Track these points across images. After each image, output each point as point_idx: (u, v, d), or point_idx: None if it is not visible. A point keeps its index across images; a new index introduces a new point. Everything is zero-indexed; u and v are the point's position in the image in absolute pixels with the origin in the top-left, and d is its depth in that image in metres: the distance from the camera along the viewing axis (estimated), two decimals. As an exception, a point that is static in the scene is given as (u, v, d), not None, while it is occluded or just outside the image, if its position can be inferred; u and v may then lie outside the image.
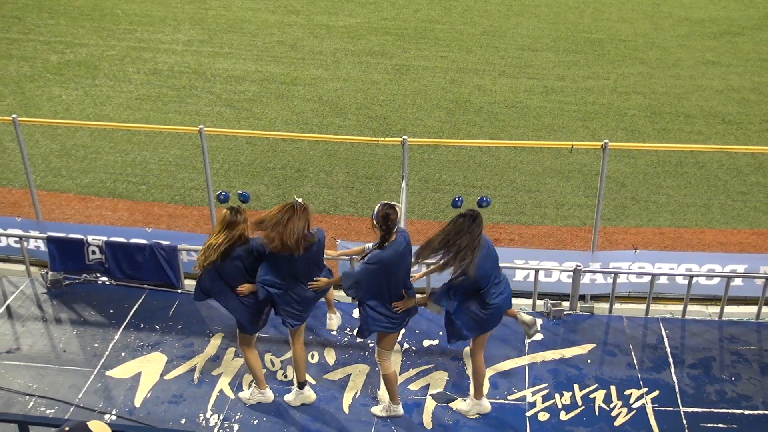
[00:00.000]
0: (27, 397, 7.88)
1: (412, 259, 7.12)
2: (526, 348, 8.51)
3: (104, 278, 9.56)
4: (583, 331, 8.78)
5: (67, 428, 4.88)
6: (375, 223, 7.01)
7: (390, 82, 17.90)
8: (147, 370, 8.25)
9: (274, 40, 20.07)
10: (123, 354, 8.46)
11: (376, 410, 7.72)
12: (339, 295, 10.15)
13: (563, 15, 21.94)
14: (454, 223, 6.85)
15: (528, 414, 7.71)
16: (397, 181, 12.84)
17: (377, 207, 7.04)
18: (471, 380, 7.77)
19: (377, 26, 21.02)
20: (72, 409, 7.74)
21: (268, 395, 7.88)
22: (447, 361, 8.31)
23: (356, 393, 7.95)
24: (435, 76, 18.22)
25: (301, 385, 7.78)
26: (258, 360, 7.79)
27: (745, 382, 8.06)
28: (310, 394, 7.82)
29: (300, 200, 7.08)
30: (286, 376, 8.12)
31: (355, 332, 8.50)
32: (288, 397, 7.84)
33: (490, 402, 7.80)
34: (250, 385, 7.96)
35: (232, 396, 7.93)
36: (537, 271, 9.48)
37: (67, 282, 9.51)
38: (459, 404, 7.77)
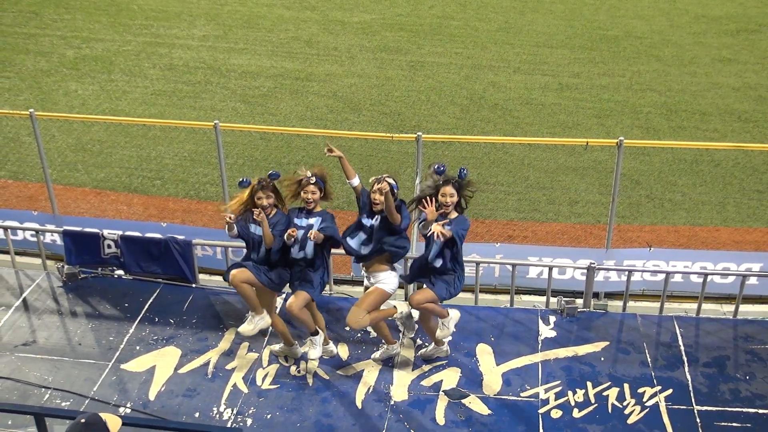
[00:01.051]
0: (43, 389, 7.94)
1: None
2: (540, 345, 8.50)
3: (120, 272, 9.62)
4: (597, 328, 8.76)
5: (82, 420, 4.95)
6: (396, 190, 7.63)
7: (404, 78, 17.89)
8: (161, 363, 8.30)
9: (289, 36, 20.11)
10: (138, 347, 8.51)
11: (376, 355, 8.17)
12: (349, 290, 10.21)
13: (579, 12, 21.86)
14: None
15: (541, 411, 7.70)
16: (411, 178, 12.83)
17: (391, 180, 7.67)
18: (430, 323, 7.99)
19: (392, 22, 21.02)
20: (87, 401, 7.80)
21: (267, 319, 7.99)
22: (460, 357, 8.31)
23: (369, 388, 7.97)
24: (449, 72, 18.21)
25: (315, 333, 7.96)
26: (251, 288, 7.85)
27: (759, 381, 8.02)
28: (332, 349, 8.24)
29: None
30: (299, 371, 8.15)
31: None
32: (312, 353, 8.00)
33: (503, 399, 7.81)
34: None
35: (245, 390, 7.96)
36: (551, 268, 9.45)
37: (82, 275, 9.57)
38: (439, 333, 8.01)
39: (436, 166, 7.61)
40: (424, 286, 7.71)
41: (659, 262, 10.53)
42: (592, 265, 9.01)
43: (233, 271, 7.76)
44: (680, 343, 8.52)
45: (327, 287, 9.49)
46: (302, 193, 7.72)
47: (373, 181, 7.68)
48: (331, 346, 8.36)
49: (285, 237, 7.54)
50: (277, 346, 8.41)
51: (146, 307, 9.11)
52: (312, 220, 7.72)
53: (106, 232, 9.53)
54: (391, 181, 7.67)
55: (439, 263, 7.59)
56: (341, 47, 19.50)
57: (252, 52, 19.15)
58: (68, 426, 4.98)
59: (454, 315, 8.07)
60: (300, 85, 17.53)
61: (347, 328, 8.74)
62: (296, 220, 7.76)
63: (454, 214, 7.60)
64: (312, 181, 7.70)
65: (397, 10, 21.84)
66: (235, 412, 7.71)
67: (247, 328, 7.95)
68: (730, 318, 9.15)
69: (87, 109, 16.28)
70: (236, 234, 7.74)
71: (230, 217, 7.59)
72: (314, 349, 7.98)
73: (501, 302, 10.01)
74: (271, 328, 8.48)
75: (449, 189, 7.59)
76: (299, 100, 16.91)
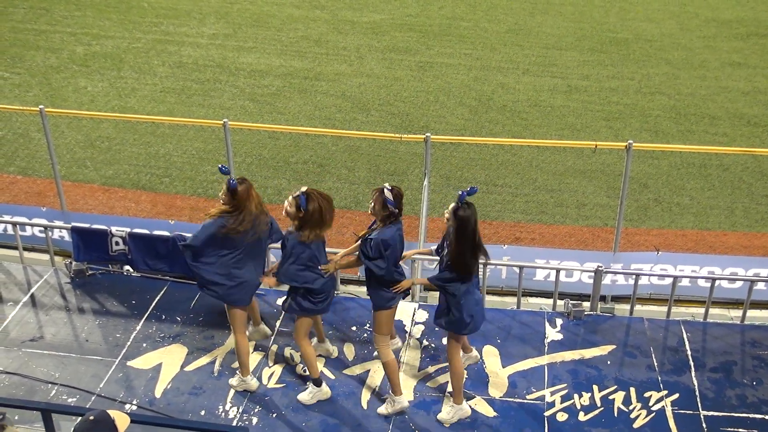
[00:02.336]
0: (49, 385, 7.96)
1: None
2: (546, 348, 8.49)
3: (128, 267, 9.64)
4: (604, 332, 8.74)
5: (91, 417, 4.96)
6: (389, 205, 7.10)
7: (413, 78, 17.89)
8: (168, 361, 8.31)
9: (298, 35, 20.13)
10: (144, 345, 8.53)
11: (381, 409, 7.69)
12: (356, 290, 10.21)
13: (588, 14, 21.83)
14: (462, 219, 6.94)
15: (546, 414, 7.69)
16: (418, 178, 12.84)
17: (386, 190, 7.10)
18: (450, 383, 7.66)
19: (401, 23, 21.02)
20: (93, 398, 7.81)
21: (251, 383, 7.93)
22: (466, 358, 8.29)
23: (375, 389, 7.96)
24: (458, 73, 18.20)
25: (317, 382, 7.82)
26: (247, 345, 7.88)
27: (766, 386, 7.98)
28: (327, 390, 7.85)
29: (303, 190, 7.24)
30: (305, 371, 8.14)
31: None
32: (303, 396, 7.81)
33: (509, 401, 7.80)
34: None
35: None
36: (558, 270, 9.45)
37: (90, 272, 9.59)
38: (441, 415, 7.65)
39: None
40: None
41: (667, 266, 10.51)
42: (600, 268, 8.99)
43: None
44: (687, 347, 8.49)
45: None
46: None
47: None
48: (327, 344, 8.37)
49: None
50: (250, 327, 8.42)
51: (153, 304, 9.13)
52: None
53: (114, 229, 9.54)
54: (388, 195, 7.21)
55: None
56: (350, 47, 19.51)
57: (261, 51, 19.18)
58: (77, 423, 4.99)
59: (466, 410, 7.64)
60: (309, 85, 17.54)
61: (353, 328, 8.74)
62: None
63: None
64: (295, 194, 7.23)
65: (407, 11, 21.84)
66: (240, 410, 7.72)
67: (233, 382, 7.99)
68: (737, 323, 9.12)
69: (96, 106, 16.33)
70: None
71: None
72: (306, 394, 7.82)
73: (508, 304, 10.00)
74: (274, 335, 8.54)
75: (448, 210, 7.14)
76: (308, 99, 16.92)
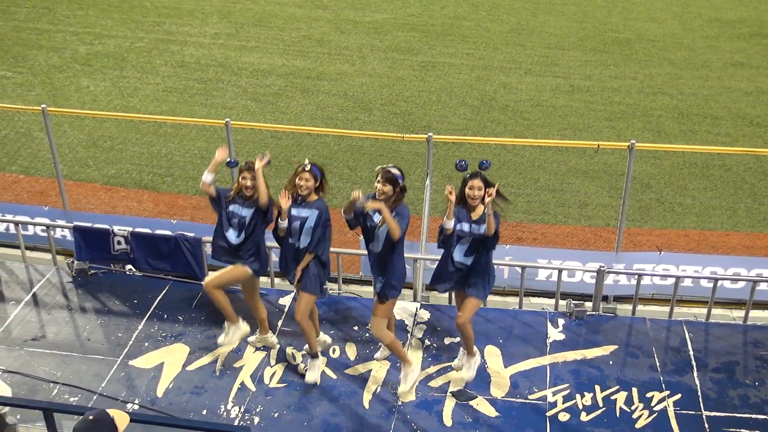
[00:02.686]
0: (51, 384, 7.97)
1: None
2: (548, 348, 8.48)
3: (130, 266, 9.65)
4: (606, 332, 8.73)
5: (90, 416, 4.95)
6: (399, 180, 7.49)
7: (415, 78, 17.89)
8: (169, 360, 8.31)
9: (300, 35, 20.13)
10: (146, 344, 8.53)
11: (402, 387, 7.80)
12: (358, 290, 10.20)
13: (591, 14, 21.82)
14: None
15: (548, 414, 7.68)
16: (421, 178, 12.83)
17: (392, 170, 7.50)
18: (464, 345, 7.90)
19: (404, 22, 21.02)
20: (95, 397, 7.81)
21: (244, 327, 8.05)
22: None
23: (377, 388, 7.96)
24: (461, 73, 18.19)
25: (315, 355, 7.92)
26: (225, 297, 8.01)
27: (768, 387, 7.99)
28: (323, 358, 8.10)
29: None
30: (307, 370, 8.14)
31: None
32: (310, 377, 7.90)
33: (511, 401, 7.80)
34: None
35: (253, 388, 7.96)
36: (560, 270, 9.42)
37: (92, 271, 9.59)
38: (463, 374, 7.92)
39: (458, 162, 7.51)
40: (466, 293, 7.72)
41: (669, 266, 10.49)
42: (602, 268, 8.98)
43: (207, 279, 7.90)
44: (689, 348, 8.48)
45: (336, 287, 9.52)
46: (297, 179, 7.57)
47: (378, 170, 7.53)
48: (324, 336, 8.43)
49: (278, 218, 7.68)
50: (253, 337, 8.43)
51: (155, 303, 9.13)
52: (305, 212, 7.57)
53: (116, 228, 9.55)
54: (395, 171, 7.56)
55: (469, 261, 7.57)
56: (353, 47, 19.51)
57: (264, 51, 19.18)
58: (76, 422, 4.99)
59: (478, 359, 8.02)
60: (311, 84, 17.54)
61: (355, 328, 8.74)
62: (292, 210, 7.65)
63: (481, 209, 7.55)
64: (307, 168, 7.57)
65: (409, 11, 21.83)
66: (242, 410, 7.72)
67: (224, 340, 8.05)
68: (739, 323, 9.11)
69: (98, 106, 16.33)
70: (214, 192, 7.84)
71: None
72: (312, 372, 7.89)
73: (510, 304, 9.99)
74: (276, 334, 8.53)
75: (477, 182, 7.57)
76: (310, 99, 16.92)
